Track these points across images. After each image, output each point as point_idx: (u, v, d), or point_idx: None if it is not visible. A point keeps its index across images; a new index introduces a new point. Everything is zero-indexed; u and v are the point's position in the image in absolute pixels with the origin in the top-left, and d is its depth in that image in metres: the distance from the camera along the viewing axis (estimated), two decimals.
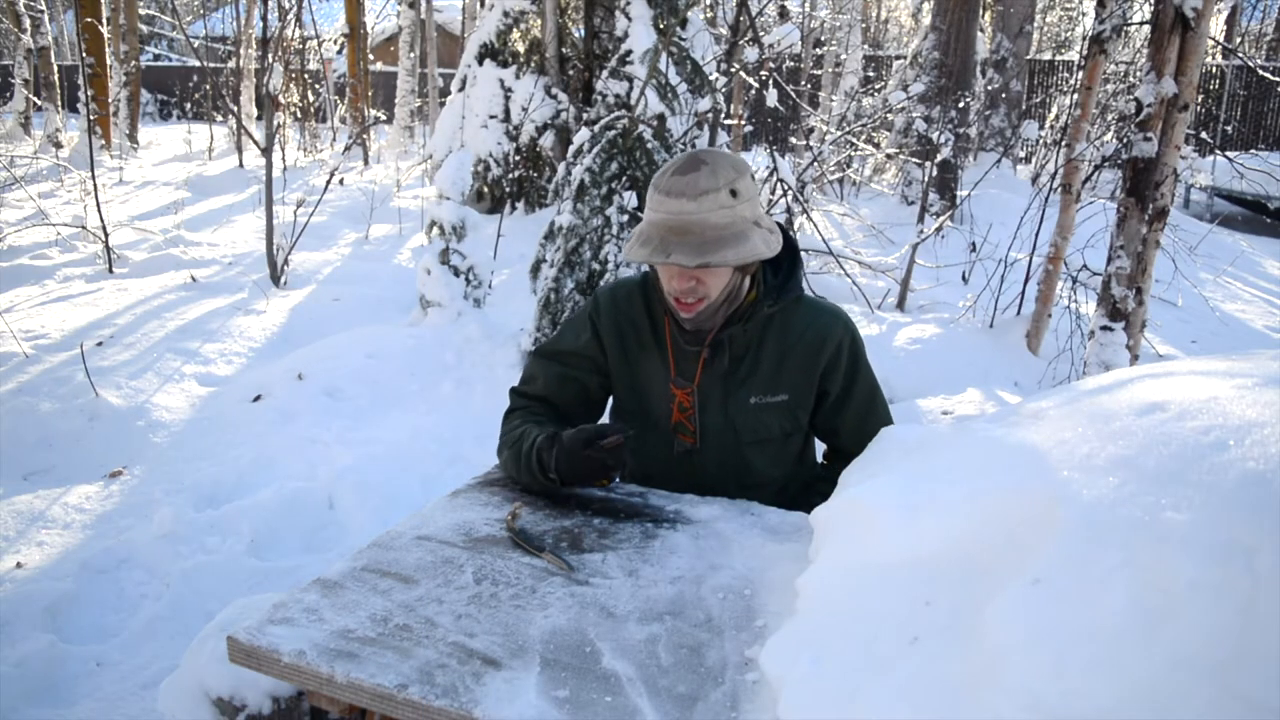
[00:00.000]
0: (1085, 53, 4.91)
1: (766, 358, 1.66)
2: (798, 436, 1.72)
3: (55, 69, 11.50)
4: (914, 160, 8.19)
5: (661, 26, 6.30)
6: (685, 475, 1.72)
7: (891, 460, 1.24)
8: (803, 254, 5.83)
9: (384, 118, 14.13)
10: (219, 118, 14.40)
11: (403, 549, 1.39)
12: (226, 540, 2.73)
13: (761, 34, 6.93)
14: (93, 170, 6.19)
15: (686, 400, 1.67)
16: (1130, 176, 3.62)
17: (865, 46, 14.09)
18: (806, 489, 1.79)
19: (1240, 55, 11.16)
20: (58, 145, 10.60)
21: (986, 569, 0.92)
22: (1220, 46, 11.86)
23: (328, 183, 6.42)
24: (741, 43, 6.37)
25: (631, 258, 1.55)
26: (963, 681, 0.83)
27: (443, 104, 9.21)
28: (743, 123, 9.77)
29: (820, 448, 1.89)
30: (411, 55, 12.51)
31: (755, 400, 1.65)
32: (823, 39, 13.67)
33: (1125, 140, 3.80)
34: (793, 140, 9.66)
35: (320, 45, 14.27)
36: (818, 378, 1.66)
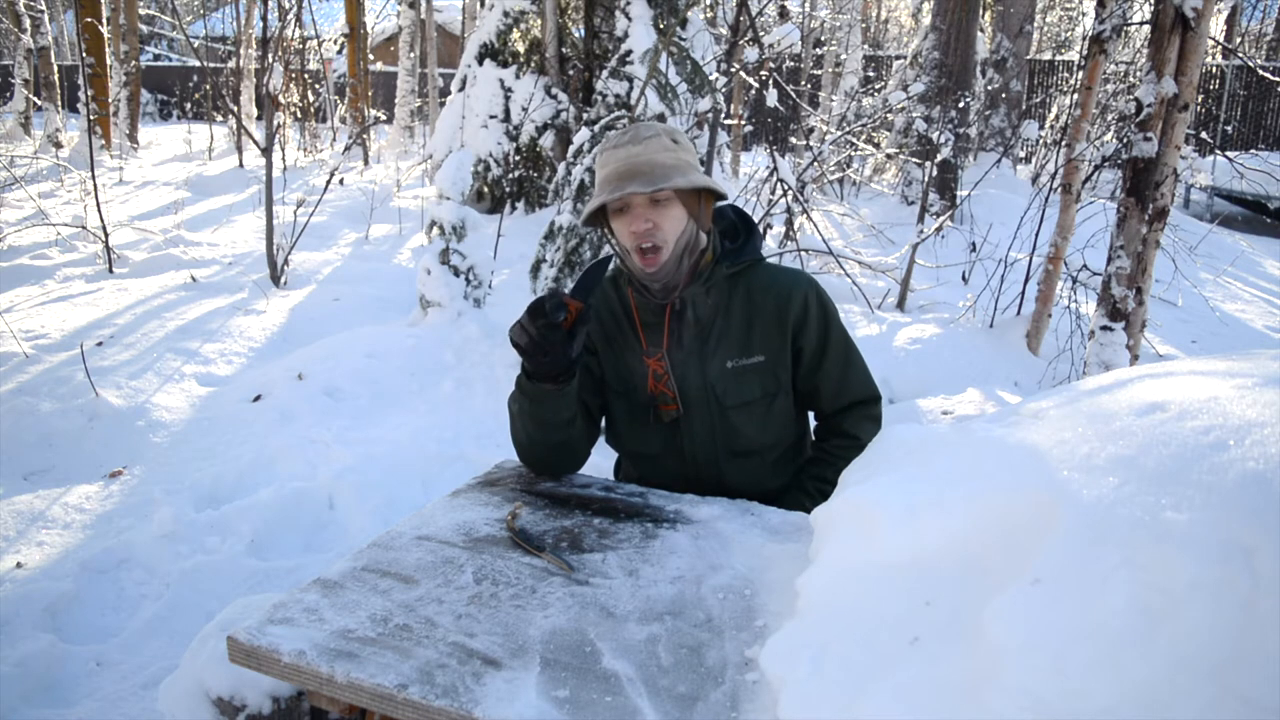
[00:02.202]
0: (1085, 53, 4.91)
1: (735, 321, 1.70)
2: (783, 399, 1.74)
3: (55, 69, 11.50)
4: (914, 160, 8.19)
5: (661, 26, 6.30)
6: (676, 449, 1.74)
7: (892, 460, 1.24)
8: (803, 254, 5.74)
9: (384, 118, 14.13)
10: (219, 118, 14.41)
11: (403, 549, 1.39)
12: (226, 540, 2.73)
13: (761, 34, 6.93)
14: (93, 170, 6.19)
15: (659, 368, 1.70)
16: (1130, 176, 3.62)
17: (865, 46, 14.10)
18: (800, 473, 1.80)
19: (1240, 55, 11.16)
20: (58, 145, 10.60)
21: (986, 569, 0.92)
22: (1220, 46, 11.86)
23: (328, 183, 6.42)
24: (741, 43, 6.37)
25: (590, 208, 1.62)
26: (963, 681, 0.83)
27: (443, 104, 9.21)
28: (743, 123, 9.77)
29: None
30: (411, 55, 12.51)
31: (732, 364, 1.69)
32: (823, 39, 13.67)
33: (1125, 140, 3.80)
34: (793, 140, 9.66)
35: (320, 45, 14.28)
36: (790, 335, 1.70)
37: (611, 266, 1.79)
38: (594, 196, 1.63)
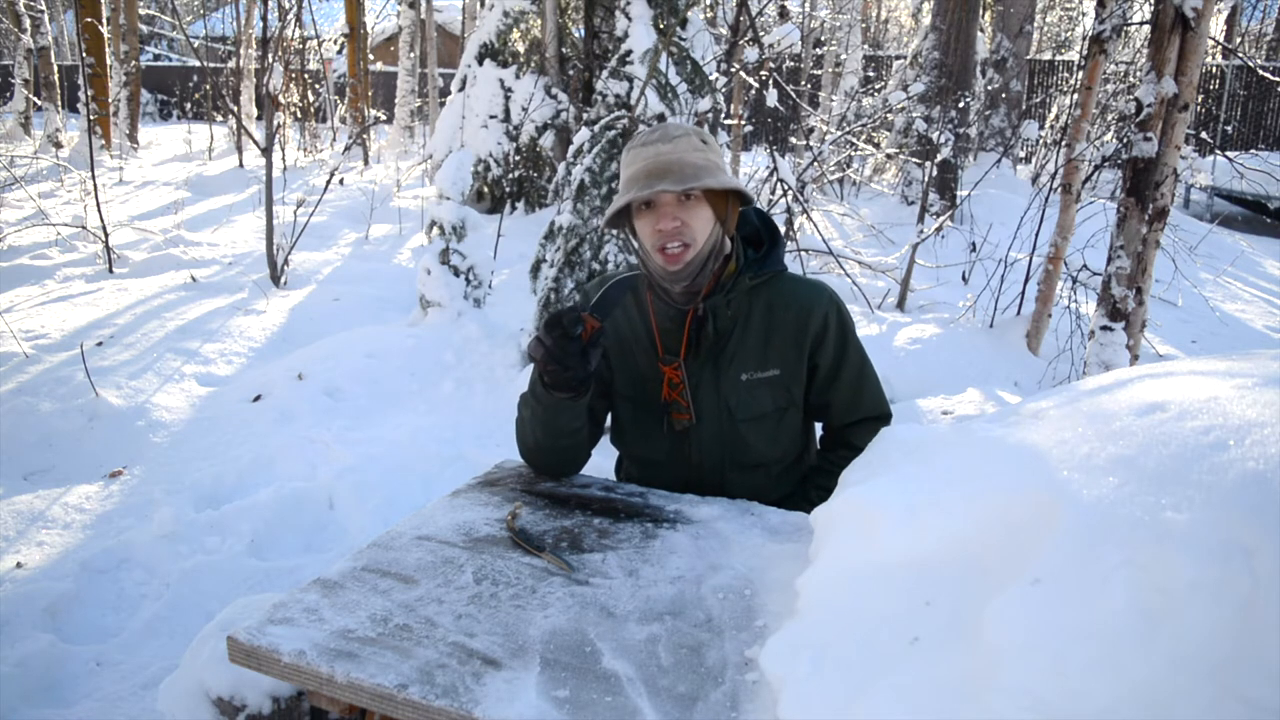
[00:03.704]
0: (1085, 53, 4.91)
1: (753, 334, 1.68)
2: (793, 413, 1.73)
3: (55, 69, 11.50)
4: (914, 160, 8.19)
5: (661, 26, 6.30)
6: (683, 458, 1.73)
7: (891, 460, 1.24)
8: (803, 254, 5.72)
9: (384, 118, 14.12)
10: (219, 118, 14.41)
11: (403, 549, 1.39)
12: (226, 540, 2.72)
13: (761, 34, 6.93)
14: (93, 170, 6.19)
15: (675, 376, 1.69)
16: (1130, 176, 3.62)
17: (865, 46, 14.11)
18: (804, 481, 1.80)
19: (1240, 55, 11.16)
20: (58, 145, 10.60)
21: (986, 569, 0.92)
22: (1220, 46, 11.86)
23: (328, 183, 6.42)
24: (741, 43, 6.37)
25: (616, 205, 1.60)
26: (963, 682, 0.83)
27: (443, 104, 9.21)
28: (743, 123, 9.76)
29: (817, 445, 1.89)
30: (411, 55, 12.51)
31: (746, 377, 1.68)
32: (823, 39, 13.67)
33: (1125, 140, 3.80)
34: (793, 140, 9.66)
35: (320, 45, 14.28)
36: (807, 351, 1.68)
37: (624, 269, 1.78)
38: (620, 194, 1.61)
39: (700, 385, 1.69)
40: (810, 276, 1.83)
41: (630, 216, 1.65)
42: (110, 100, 11.70)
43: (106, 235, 5.73)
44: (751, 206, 1.74)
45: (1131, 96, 3.84)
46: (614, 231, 4.08)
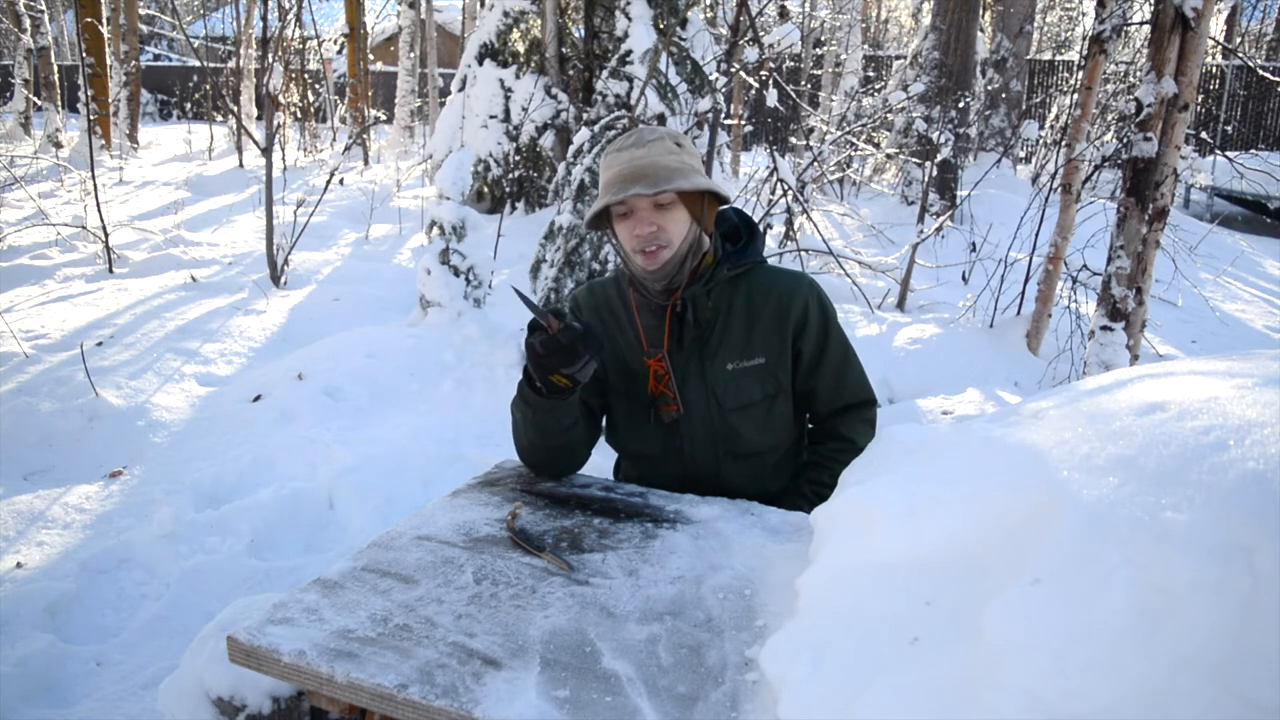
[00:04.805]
0: (1085, 53, 4.91)
1: (736, 323, 1.70)
2: (783, 401, 1.74)
3: (55, 69, 11.50)
4: (914, 160, 8.19)
5: (661, 26, 6.30)
6: (675, 451, 1.74)
7: (891, 460, 1.24)
8: (803, 254, 5.72)
9: (384, 118, 14.11)
10: (219, 118, 14.41)
11: (403, 549, 1.39)
12: (226, 540, 2.73)
13: (761, 34, 6.93)
14: (93, 170, 6.19)
15: (660, 368, 1.71)
16: (1130, 176, 3.62)
17: (865, 46, 14.11)
18: (797, 476, 1.80)
19: (1240, 55, 11.16)
20: (58, 145, 10.60)
21: (986, 569, 0.92)
22: (1220, 46, 11.86)
23: (328, 183, 6.42)
24: (741, 43, 6.37)
25: (593, 210, 1.64)
26: (963, 681, 0.83)
27: (443, 104, 9.21)
28: (743, 123, 9.77)
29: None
30: (411, 55, 12.52)
31: (732, 366, 1.70)
32: (823, 39, 13.67)
33: (1125, 140, 3.80)
34: (793, 140, 9.65)
35: (320, 45, 14.28)
36: (790, 338, 1.71)
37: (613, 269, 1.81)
38: (598, 199, 1.64)
39: (686, 377, 1.71)
40: (789, 268, 1.86)
41: (610, 219, 1.67)
42: (110, 100, 11.69)
43: (106, 235, 5.73)
44: (730, 207, 1.76)
45: (1131, 96, 3.84)
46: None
